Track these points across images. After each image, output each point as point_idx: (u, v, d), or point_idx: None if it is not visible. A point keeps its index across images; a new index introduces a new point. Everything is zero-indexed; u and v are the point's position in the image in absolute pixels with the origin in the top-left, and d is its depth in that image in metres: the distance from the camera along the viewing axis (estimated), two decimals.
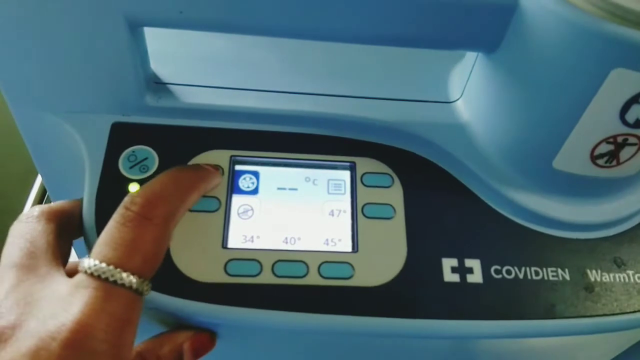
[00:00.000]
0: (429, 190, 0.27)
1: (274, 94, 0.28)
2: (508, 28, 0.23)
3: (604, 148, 0.24)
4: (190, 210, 0.25)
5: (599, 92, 0.21)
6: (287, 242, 0.25)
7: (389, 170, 0.27)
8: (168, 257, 0.24)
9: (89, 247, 0.24)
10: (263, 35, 0.25)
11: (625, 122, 0.22)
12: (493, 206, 0.27)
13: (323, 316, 0.23)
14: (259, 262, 0.24)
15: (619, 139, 0.23)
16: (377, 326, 0.24)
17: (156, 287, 0.23)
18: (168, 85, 0.27)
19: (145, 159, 0.26)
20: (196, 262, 0.24)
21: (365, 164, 0.27)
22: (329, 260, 0.25)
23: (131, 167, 0.26)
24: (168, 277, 0.24)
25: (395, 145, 0.28)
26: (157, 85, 0.27)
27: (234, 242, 0.25)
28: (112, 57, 0.24)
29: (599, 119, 0.22)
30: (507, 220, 0.27)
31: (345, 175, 0.27)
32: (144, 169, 0.26)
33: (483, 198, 0.27)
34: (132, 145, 0.26)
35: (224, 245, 0.25)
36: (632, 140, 0.23)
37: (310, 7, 0.23)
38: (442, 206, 0.27)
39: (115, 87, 0.26)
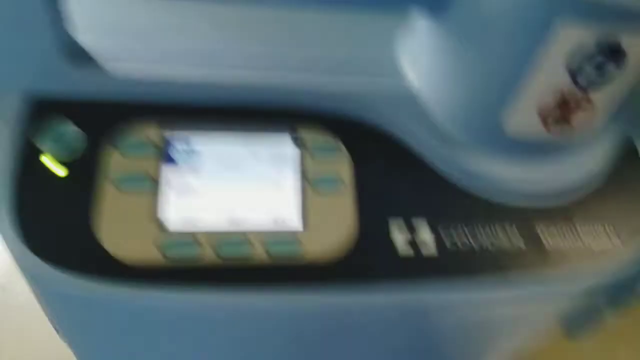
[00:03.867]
0: (378, 159, 0.26)
1: (210, 64, 0.26)
2: None
3: (555, 111, 0.23)
4: (119, 189, 0.23)
5: (546, 44, 0.21)
6: (230, 221, 0.23)
7: (336, 141, 0.26)
8: (97, 242, 0.22)
9: (4, 237, 0.22)
10: None
11: (576, 83, 0.22)
12: (444, 172, 0.26)
13: (272, 295, 0.22)
14: (199, 242, 0.22)
15: (570, 100, 0.23)
16: (329, 302, 0.23)
17: (84, 272, 0.21)
18: (92, 56, 0.25)
19: (68, 135, 0.23)
20: (129, 244, 0.22)
21: (310, 135, 0.26)
22: (276, 238, 0.23)
23: (52, 145, 0.23)
24: (97, 262, 0.22)
25: (341, 113, 0.26)
26: (80, 54, 0.25)
27: (171, 222, 0.23)
28: (25, 20, 0.21)
29: (550, 79, 0.22)
30: (460, 188, 0.26)
31: (291, 147, 0.25)
32: (66, 146, 0.23)
33: (433, 163, 0.26)
34: (52, 121, 0.24)
35: (159, 225, 0.23)
36: (583, 100, 0.23)
37: None
38: (393, 175, 0.26)
39: (31, 57, 0.23)
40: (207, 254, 0.22)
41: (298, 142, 0.25)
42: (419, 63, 0.26)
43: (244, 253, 0.22)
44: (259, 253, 0.23)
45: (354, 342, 0.29)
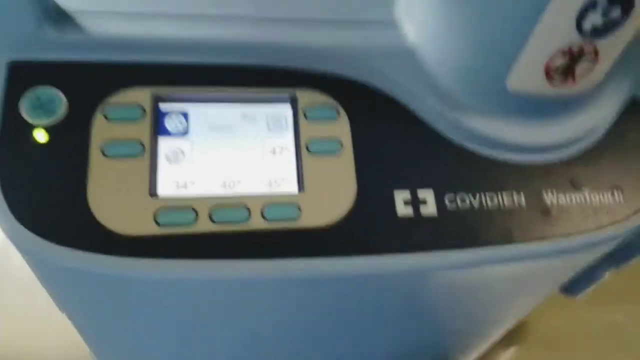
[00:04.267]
0: (377, 120, 0.25)
1: (199, 20, 0.24)
2: None
3: (559, 61, 0.22)
4: (108, 157, 0.22)
5: None
6: (225, 186, 0.23)
7: (334, 102, 0.25)
8: (87, 211, 0.21)
9: None
10: None
11: (581, 31, 0.21)
12: (446, 133, 0.25)
13: (269, 261, 0.21)
14: (193, 209, 0.22)
15: (575, 50, 0.22)
16: (329, 267, 0.22)
17: (75, 245, 0.20)
18: (73, 14, 0.23)
19: (51, 100, 0.22)
20: (121, 214, 0.21)
21: (307, 96, 0.25)
22: (272, 202, 0.22)
23: (35, 112, 0.22)
24: (90, 234, 0.21)
25: (339, 73, 0.25)
26: (60, 15, 0.23)
27: (163, 189, 0.22)
28: None
29: (554, 28, 0.21)
30: (460, 148, 0.25)
31: (286, 109, 0.25)
32: (50, 112, 0.22)
33: (435, 125, 0.25)
34: (34, 86, 0.23)
35: (152, 193, 0.22)
36: (587, 50, 0.22)
37: None
38: (392, 137, 0.25)
39: (7, 18, 0.22)
40: (202, 221, 0.22)
41: (294, 103, 0.24)
42: (416, 16, 0.25)
43: (239, 218, 0.22)
44: (255, 218, 0.22)
45: (357, 313, 0.29)
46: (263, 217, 0.22)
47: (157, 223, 0.21)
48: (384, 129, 0.25)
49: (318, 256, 0.22)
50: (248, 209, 0.22)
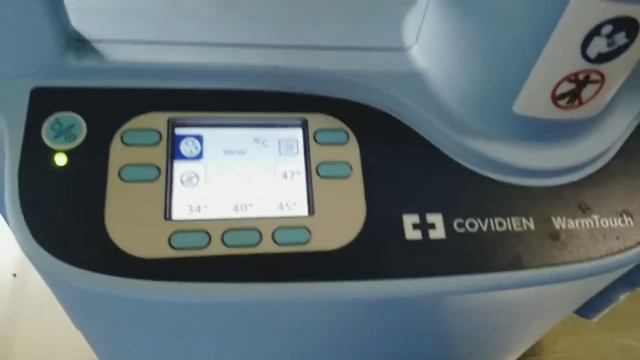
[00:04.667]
0: (387, 144, 0.25)
1: (213, 47, 0.25)
2: None
3: (566, 87, 0.22)
4: (125, 181, 0.23)
5: (559, 23, 0.20)
6: (237, 210, 0.23)
7: (344, 126, 0.25)
8: (104, 234, 0.22)
9: (13, 230, 0.22)
10: None
11: (586, 57, 0.21)
12: (454, 157, 0.25)
13: (279, 285, 0.22)
14: (206, 232, 0.22)
15: (581, 76, 0.22)
16: (337, 291, 0.22)
17: (92, 267, 0.21)
18: (92, 43, 0.24)
19: (72, 126, 0.23)
20: (137, 237, 0.22)
21: (318, 121, 0.25)
22: (283, 226, 0.23)
23: (56, 137, 0.23)
24: (106, 256, 0.21)
25: (349, 98, 0.26)
26: (80, 43, 0.24)
27: (178, 212, 0.23)
28: (23, 11, 0.21)
29: (560, 54, 0.21)
30: (468, 171, 0.25)
31: (297, 133, 0.25)
32: (70, 137, 0.23)
33: (443, 149, 0.25)
34: (55, 112, 0.23)
35: (167, 216, 0.22)
36: (593, 77, 0.22)
37: None
38: (401, 160, 0.25)
39: (31, 47, 0.23)
40: (214, 244, 0.22)
41: (305, 127, 0.25)
42: (427, 43, 0.26)
43: (250, 241, 0.22)
44: (266, 241, 0.22)
45: (366, 334, 0.29)
46: (274, 240, 0.22)
47: (171, 246, 0.22)
48: (393, 152, 0.25)
49: (327, 280, 0.22)
50: (259, 233, 0.23)
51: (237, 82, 0.25)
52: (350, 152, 0.25)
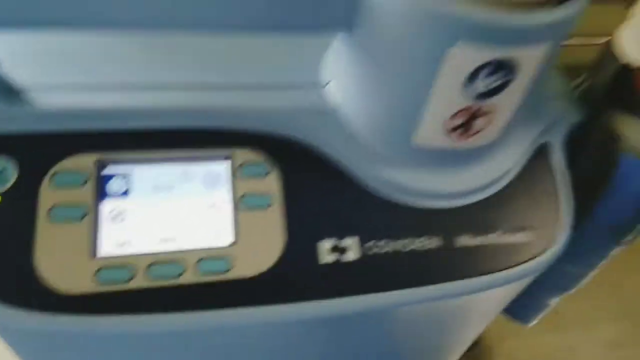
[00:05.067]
0: (306, 174, 0.27)
1: (140, 90, 0.27)
2: (358, 7, 0.23)
3: (457, 121, 0.25)
4: (54, 221, 0.24)
5: (442, 68, 0.22)
6: (163, 243, 0.25)
7: (266, 159, 0.27)
8: (33, 273, 0.23)
9: None
10: (104, 27, 0.23)
11: (472, 95, 0.24)
12: (367, 185, 0.28)
13: (202, 313, 0.23)
14: (131, 266, 0.24)
15: (469, 111, 0.25)
16: (256, 315, 0.24)
17: (22, 305, 0.22)
18: (21, 88, 0.26)
19: (3, 170, 0.24)
20: (65, 274, 0.23)
21: (242, 155, 0.27)
22: (206, 256, 0.24)
23: None
24: (35, 294, 0.23)
25: (271, 133, 0.28)
26: (9, 90, 0.26)
27: (105, 249, 0.24)
28: None
29: (448, 93, 0.24)
30: (380, 197, 0.27)
31: (222, 167, 0.27)
32: (2, 181, 0.24)
33: (358, 178, 0.28)
34: None
35: (94, 253, 0.24)
36: (481, 111, 0.25)
37: None
38: (320, 189, 0.27)
39: None
40: (139, 277, 0.23)
41: (229, 161, 0.27)
42: (340, 80, 0.28)
43: (173, 273, 0.24)
44: (189, 272, 0.24)
45: (297, 351, 0.31)
46: (196, 270, 0.24)
47: (97, 281, 0.23)
48: (312, 182, 0.27)
49: (246, 305, 0.24)
50: (182, 264, 0.24)
51: (164, 121, 0.27)
52: (272, 183, 0.27)
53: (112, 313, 0.23)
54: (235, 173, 0.27)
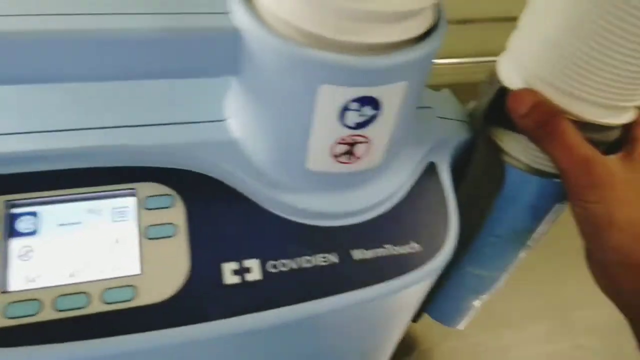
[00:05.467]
0: (210, 203, 0.30)
1: (46, 133, 0.28)
2: (238, 54, 0.26)
3: (340, 148, 0.28)
4: None
5: (316, 104, 0.25)
6: (70, 276, 0.26)
7: (171, 191, 0.29)
8: None
9: None
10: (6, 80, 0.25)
11: (346, 126, 0.27)
12: (267, 208, 0.30)
13: (106, 340, 0.25)
14: (39, 300, 0.25)
15: (349, 140, 0.27)
16: (162, 338, 0.26)
17: None
18: None
19: None
20: None
21: (146, 189, 0.29)
22: (111, 286, 0.26)
23: None
24: None
25: (175, 166, 0.30)
26: None
27: (14, 284, 0.26)
28: None
29: (326, 126, 0.26)
30: (280, 219, 0.30)
31: (129, 201, 0.29)
32: None
33: (259, 203, 0.30)
34: None
35: (2, 289, 0.25)
36: (359, 139, 0.28)
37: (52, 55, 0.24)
38: (223, 216, 0.29)
39: None
40: (46, 310, 0.25)
41: (135, 195, 0.29)
42: (237, 116, 0.30)
43: (80, 304, 0.25)
44: (95, 302, 0.26)
45: None
46: (102, 300, 0.26)
47: (6, 316, 0.25)
48: (215, 210, 0.29)
49: (153, 329, 0.26)
50: (89, 295, 0.26)
51: (71, 162, 0.28)
52: (177, 213, 0.29)
53: (21, 345, 0.24)
54: (140, 206, 0.29)
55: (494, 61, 0.35)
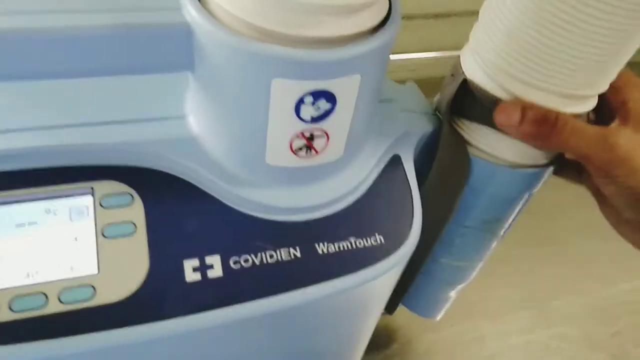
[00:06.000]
0: (170, 201, 0.29)
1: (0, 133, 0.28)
2: (192, 51, 0.26)
3: (299, 143, 0.28)
4: None
5: (270, 99, 0.25)
6: (28, 277, 0.26)
7: (129, 189, 0.29)
8: None
9: None
10: None
11: (303, 120, 0.27)
12: (229, 204, 0.30)
13: (65, 339, 0.25)
14: None
15: (306, 134, 0.27)
16: (121, 337, 0.26)
17: None
18: None
19: None
20: None
21: (104, 187, 0.29)
22: (68, 286, 0.26)
23: None
24: None
25: (133, 164, 0.30)
26: None
27: None
28: None
29: (282, 120, 0.26)
30: (241, 215, 0.30)
31: (86, 200, 0.28)
32: None
33: (219, 198, 0.30)
34: None
35: None
36: (317, 133, 0.28)
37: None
38: (183, 213, 0.29)
39: None
40: (3, 311, 0.25)
41: (92, 194, 0.29)
42: (196, 112, 0.30)
43: (36, 305, 0.25)
44: (52, 302, 0.25)
45: None
46: (59, 300, 0.26)
47: None
48: (175, 207, 0.29)
49: (112, 328, 0.26)
50: (45, 295, 0.26)
51: (27, 162, 0.28)
52: (135, 212, 0.29)
53: None
54: (98, 205, 0.28)
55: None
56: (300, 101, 0.25)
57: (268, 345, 0.36)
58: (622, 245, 0.36)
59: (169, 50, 0.26)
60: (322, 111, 0.26)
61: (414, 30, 0.86)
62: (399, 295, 0.48)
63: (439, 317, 0.56)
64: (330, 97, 0.26)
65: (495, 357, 0.66)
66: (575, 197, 0.51)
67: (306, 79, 0.24)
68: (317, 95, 0.25)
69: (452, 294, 0.52)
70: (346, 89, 0.26)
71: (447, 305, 0.54)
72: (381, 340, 0.64)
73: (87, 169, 0.29)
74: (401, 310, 0.54)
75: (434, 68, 0.84)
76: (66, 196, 0.28)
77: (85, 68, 0.26)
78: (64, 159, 0.29)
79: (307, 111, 0.26)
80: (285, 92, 0.25)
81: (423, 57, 0.88)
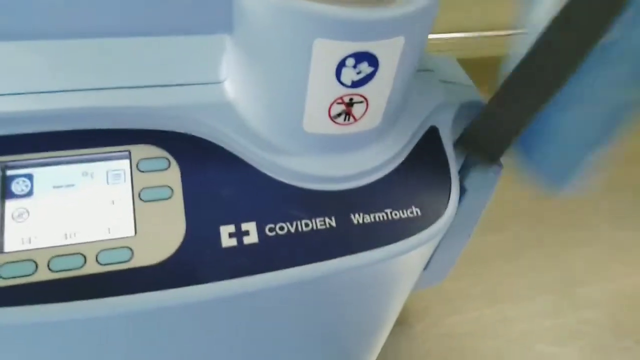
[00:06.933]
0: (206, 166, 0.29)
1: (41, 95, 0.28)
2: (230, 11, 0.25)
3: (337, 109, 0.27)
4: None
5: (312, 61, 0.25)
6: (65, 238, 0.26)
7: (166, 154, 0.29)
8: None
9: None
10: None
11: (343, 84, 0.26)
12: (265, 172, 0.29)
13: (102, 300, 0.25)
14: (33, 260, 0.25)
15: (346, 99, 0.27)
16: (159, 299, 0.26)
17: None
18: None
19: None
20: None
21: (141, 151, 0.29)
22: (106, 248, 0.26)
23: None
24: None
25: (170, 129, 0.29)
26: None
27: (9, 245, 0.25)
28: None
29: (322, 84, 0.26)
30: (277, 183, 0.29)
31: (124, 164, 0.28)
32: None
33: (255, 166, 0.29)
34: None
35: None
36: (357, 99, 0.27)
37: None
38: (219, 179, 0.29)
39: None
40: (41, 270, 0.25)
41: (129, 158, 0.28)
42: (233, 77, 0.30)
43: (74, 265, 0.25)
44: (90, 263, 0.25)
45: (203, 340, 0.32)
46: (97, 261, 0.26)
47: (1, 276, 0.24)
48: (211, 173, 0.29)
49: (149, 290, 0.26)
50: (83, 256, 0.26)
51: (65, 124, 0.28)
52: (172, 176, 0.28)
53: (16, 305, 0.24)
54: (134, 168, 0.28)
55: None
56: (342, 64, 0.25)
57: (297, 321, 0.36)
58: None
59: (207, 10, 0.25)
60: (363, 75, 0.26)
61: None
62: (510, 135, 0.33)
63: (567, 190, 0.36)
64: (373, 61, 0.25)
65: (519, 340, 0.65)
66: (607, 183, 0.48)
67: (349, 40, 0.24)
68: (359, 57, 0.25)
69: (592, 158, 0.34)
70: (389, 52, 0.25)
71: (584, 175, 0.35)
72: (405, 320, 0.64)
73: (123, 132, 0.29)
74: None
75: (470, 49, 0.82)
76: (103, 159, 0.28)
77: (123, 26, 0.26)
78: (101, 121, 0.29)
79: (348, 75, 0.25)
80: (327, 53, 0.24)
81: (458, 37, 0.86)
